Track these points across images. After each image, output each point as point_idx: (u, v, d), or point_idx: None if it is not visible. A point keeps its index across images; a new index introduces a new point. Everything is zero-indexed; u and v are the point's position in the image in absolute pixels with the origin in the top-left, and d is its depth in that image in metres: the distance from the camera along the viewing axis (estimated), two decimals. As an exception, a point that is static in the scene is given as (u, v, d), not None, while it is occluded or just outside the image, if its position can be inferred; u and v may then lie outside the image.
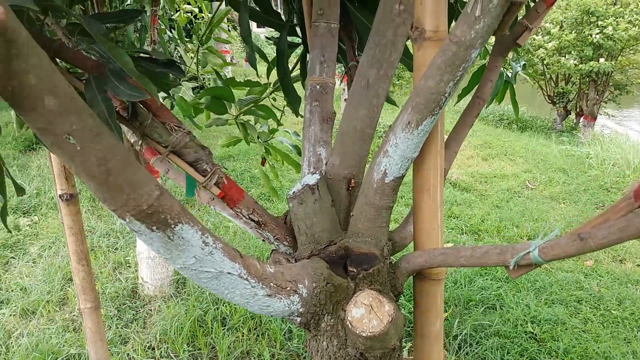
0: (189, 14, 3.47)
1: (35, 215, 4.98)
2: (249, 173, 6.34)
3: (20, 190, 0.99)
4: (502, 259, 0.99)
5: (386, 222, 1.20)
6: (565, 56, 10.28)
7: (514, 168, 7.39)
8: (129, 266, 4.23)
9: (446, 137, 1.41)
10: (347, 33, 1.75)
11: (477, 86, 1.62)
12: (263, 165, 2.15)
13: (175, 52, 4.45)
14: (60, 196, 1.98)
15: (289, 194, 1.22)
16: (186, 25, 3.54)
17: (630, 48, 10.08)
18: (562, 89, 11.32)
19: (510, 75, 3.02)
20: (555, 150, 8.37)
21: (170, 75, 1.16)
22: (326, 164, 1.33)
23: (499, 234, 5.12)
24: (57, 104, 0.62)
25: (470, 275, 4.12)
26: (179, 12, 3.28)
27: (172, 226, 0.78)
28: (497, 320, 3.57)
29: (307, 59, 1.81)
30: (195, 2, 3.09)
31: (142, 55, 1.05)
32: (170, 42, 3.92)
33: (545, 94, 11.83)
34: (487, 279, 4.09)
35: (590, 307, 3.88)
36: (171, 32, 3.85)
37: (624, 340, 3.43)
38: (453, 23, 1.72)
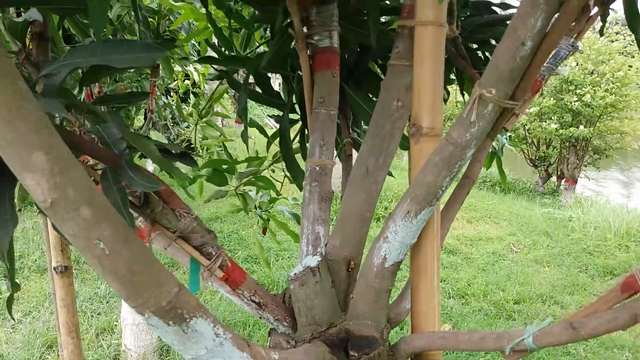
0: (187, 81, 3.58)
1: (17, 278, 4.88)
2: (236, 235, 6.34)
3: (15, 287, 1.01)
4: (499, 344, 1.03)
5: (385, 304, 1.23)
6: (546, 121, 10.67)
7: (498, 231, 7.49)
8: (112, 332, 4.13)
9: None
10: (343, 112, 1.85)
11: (466, 166, 1.70)
12: (264, 234, 2.20)
13: (170, 116, 4.54)
14: (54, 268, 1.98)
15: (290, 276, 1.25)
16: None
17: (608, 115, 10.52)
18: (544, 152, 11.65)
19: (496, 147, 3.15)
20: (538, 214, 8.53)
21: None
22: (326, 244, 1.38)
23: (485, 298, 5.14)
24: (92, 214, 0.66)
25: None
26: (176, 81, 3.40)
27: (188, 320, 0.81)
28: (488, 390, 3.54)
29: (306, 133, 1.90)
30: (192, 74, 3.22)
31: (157, 146, 1.11)
32: (166, 107, 4.02)
33: (527, 157, 12.15)
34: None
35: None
36: (167, 97, 3.96)
37: None
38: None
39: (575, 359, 4.07)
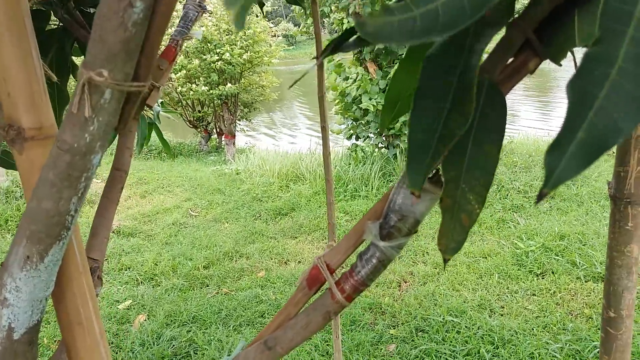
0: None
1: None
2: None
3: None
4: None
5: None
6: (195, 83, 10.90)
7: (174, 199, 7.39)
8: None
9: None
10: None
11: (115, 156, 1.41)
12: None
13: None
14: None
15: None
16: None
17: (248, 70, 11.45)
18: (200, 112, 11.99)
19: (152, 117, 2.92)
20: (208, 173, 8.77)
21: None
22: None
23: (175, 273, 4.99)
24: None
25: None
26: None
27: None
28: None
29: None
30: None
31: None
32: None
33: (186, 119, 12.31)
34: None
35: (271, 318, 4.08)
36: None
37: (310, 342, 3.75)
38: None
39: (269, 304, 4.23)
